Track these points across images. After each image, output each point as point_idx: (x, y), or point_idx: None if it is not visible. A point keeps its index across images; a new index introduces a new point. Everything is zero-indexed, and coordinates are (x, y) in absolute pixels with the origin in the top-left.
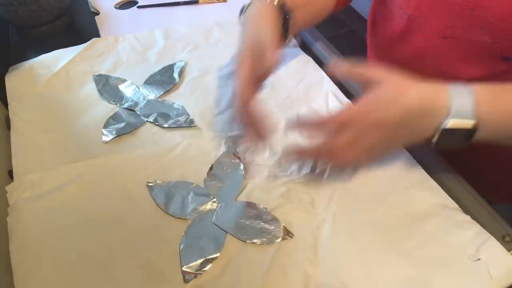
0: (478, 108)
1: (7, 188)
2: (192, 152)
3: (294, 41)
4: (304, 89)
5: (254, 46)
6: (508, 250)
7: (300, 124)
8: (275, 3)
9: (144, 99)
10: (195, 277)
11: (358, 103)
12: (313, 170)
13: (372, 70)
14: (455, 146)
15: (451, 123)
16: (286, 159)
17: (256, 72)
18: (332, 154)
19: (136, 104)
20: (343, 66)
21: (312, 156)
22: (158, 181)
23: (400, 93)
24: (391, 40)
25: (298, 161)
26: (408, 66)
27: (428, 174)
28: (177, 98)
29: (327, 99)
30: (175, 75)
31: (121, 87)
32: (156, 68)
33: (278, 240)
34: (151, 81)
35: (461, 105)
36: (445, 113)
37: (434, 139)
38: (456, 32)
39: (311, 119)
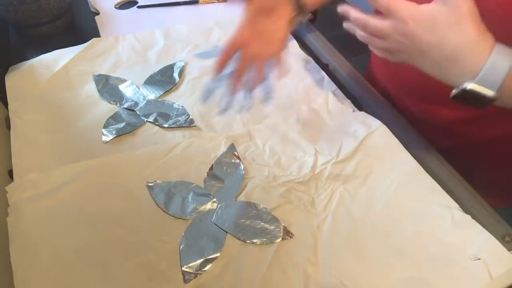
0: (507, 83)
1: (7, 188)
2: (192, 152)
3: (294, 41)
4: (304, 89)
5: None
6: (508, 250)
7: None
8: None
9: (144, 99)
10: (195, 277)
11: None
12: (313, 169)
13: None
14: (471, 105)
15: (472, 86)
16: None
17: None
18: (364, 28)
19: (136, 104)
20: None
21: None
22: (158, 181)
23: (445, 23)
24: None
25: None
26: None
27: (428, 174)
28: (177, 98)
29: (327, 99)
30: (175, 75)
31: (121, 87)
32: (156, 68)
33: (278, 240)
34: (151, 81)
35: (491, 74)
36: (473, 74)
37: (452, 94)
38: None
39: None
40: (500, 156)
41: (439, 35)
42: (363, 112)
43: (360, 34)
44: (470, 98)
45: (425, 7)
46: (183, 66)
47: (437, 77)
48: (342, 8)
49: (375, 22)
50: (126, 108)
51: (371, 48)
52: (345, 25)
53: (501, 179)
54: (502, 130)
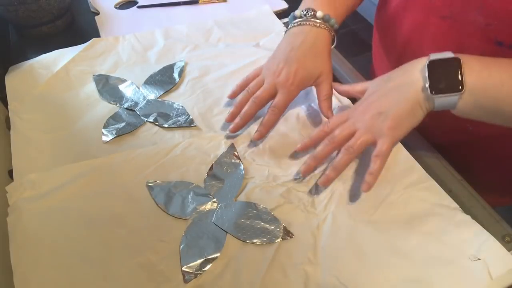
0: (460, 56)
1: (7, 188)
2: (192, 152)
3: None
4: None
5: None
6: (508, 250)
7: (308, 142)
8: (330, 26)
9: (144, 99)
10: (195, 277)
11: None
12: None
13: (357, 85)
14: (451, 85)
15: (433, 57)
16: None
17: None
18: (334, 137)
19: (136, 104)
20: (340, 88)
21: (324, 151)
22: (158, 181)
23: (386, 75)
24: (393, 19)
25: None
26: (409, 42)
27: (429, 174)
28: (177, 98)
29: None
30: (175, 75)
31: (121, 87)
32: (156, 68)
33: (278, 240)
34: (151, 81)
35: (440, 54)
36: (424, 61)
37: (427, 82)
38: (454, 12)
39: (313, 136)
40: (500, 155)
41: (385, 77)
42: None
43: (342, 157)
44: (439, 68)
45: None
46: (183, 66)
47: (412, 97)
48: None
49: (335, 127)
50: (126, 108)
51: (375, 166)
52: (322, 182)
53: (501, 178)
54: (502, 129)
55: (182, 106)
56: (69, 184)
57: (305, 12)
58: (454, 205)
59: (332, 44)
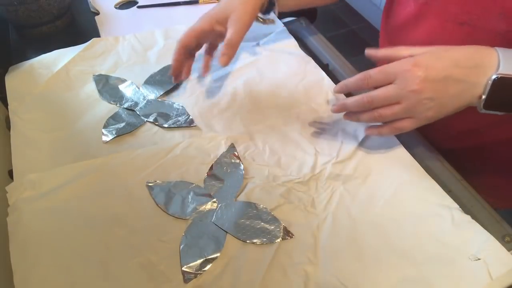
0: None
1: (7, 188)
2: (192, 152)
3: (294, 41)
4: (304, 89)
5: (223, 11)
6: (508, 250)
7: (346, 83)
8: None
9: (144, 99)
10: (195, 277)
11: (402, 60)
12: (313, 169)
13: (405, 49)
14: (503, 107)
15: (499, 73)
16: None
17: (207, 35)
18: (372, 104)
19: (136, 104)
20: (379, 51)
21: (354, 105)
22: (158, 181)
23: (444, 50)
24: (405, 25)
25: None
26: None
27: (428, 174)
28: (177, 98)
29: (327, 99)
30: None
31: (121, 87)
32: (156, 68)
33: (278, 240)
34: (151, 81)
35: (509, 59)
36: (495, 66)
37: (484, 95)
38: (473, 18)
39: (355, 77)
40: (500, 157)
41: (446, 56)
42: None
43: (366, 117)
44: (501, 91)
45: (417, 54)
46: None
47: (465, 100)
48: (337, 105)
49: (379, 91)
50: (126, 108)
51: (384, 131)
52: (346, 117)
53: (501, 180)
54: (503, 132)
55: (182, 106)
56: (69, 184)
57: None
58: (454, 205)
59: (264, 11)
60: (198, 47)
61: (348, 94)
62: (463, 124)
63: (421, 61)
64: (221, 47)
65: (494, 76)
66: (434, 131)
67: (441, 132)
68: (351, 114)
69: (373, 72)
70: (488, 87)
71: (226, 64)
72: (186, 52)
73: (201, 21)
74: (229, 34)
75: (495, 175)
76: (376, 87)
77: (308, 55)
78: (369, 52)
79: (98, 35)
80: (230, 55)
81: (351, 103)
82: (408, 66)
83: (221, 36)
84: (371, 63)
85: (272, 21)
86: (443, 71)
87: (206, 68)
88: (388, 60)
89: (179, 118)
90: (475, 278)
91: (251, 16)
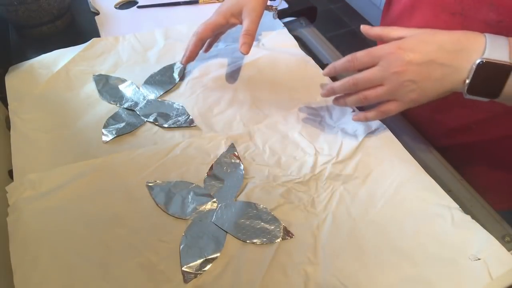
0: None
1: (7, 188)
2: (192, 152)
3: (294, 41)
4: (304, 89)
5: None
6: (508, 250)
7: (334, 65)
8: None
9: (144, 99)
10: (195, 277)
11: (387, 43)
12: (313, 169)
13: (396, 30)
14: (487, 92)
15: (485, 57)
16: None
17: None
18: (357, 86)
19: (136, 104)
20: (374, 30)
21: (341, 88)
22: (158, 181)
23: (431, 34)
24: (400, 17)
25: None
26: None
27: (428, 174)
28: (177, 98)
29: (327, 98)
30: (175, 75)
31: (121, 87)
32: (156, 68)
33: (278, 240)
34: (151, 81)
35: (496, 45)
36: (481, 50)
37: (469, 79)
38: (465, 8)
39: (343, 59)
40: (500, 157)
41: (432, 40)
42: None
43: (352, 99)
44: (486, 76)
45: (395, 42)
46: (183, 66)
47: (448, 84)
48: (326, 89)
49: (363, 73)
50: (126, 108)
51: (370, 115)
52: (335, 102)
53: (501, 180)
54: (503, 130)
55: (182, 106)
56: (69, 184)
57: None
58: (454, 205)
59: None
60: (214, 39)
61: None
62: (455, 120)
63: (406, 44)
64: (240, 37)
65: (478, 61)
66: (427, 127)
67: (434, 129)
68: (339, 98)
69: (359, 54)
70: (472, 72)
71: (247, 52)
72: (202, 45)
73: (215, 15)
74: (246, 24)
75: (495, 175)
76: (362, 69)
77: (308, 55)
78: (364, 28)
79: (98, 35)
80: (250, 43)
81: (338, 86)
82: (392, 49)
83: (233, 27)
84: None
85: (276, 9)
86: (427, 55)
87: (209, 48)
88: (380, 39)
89: (179, 118)
90: (475, 278)
91: (262, 5)
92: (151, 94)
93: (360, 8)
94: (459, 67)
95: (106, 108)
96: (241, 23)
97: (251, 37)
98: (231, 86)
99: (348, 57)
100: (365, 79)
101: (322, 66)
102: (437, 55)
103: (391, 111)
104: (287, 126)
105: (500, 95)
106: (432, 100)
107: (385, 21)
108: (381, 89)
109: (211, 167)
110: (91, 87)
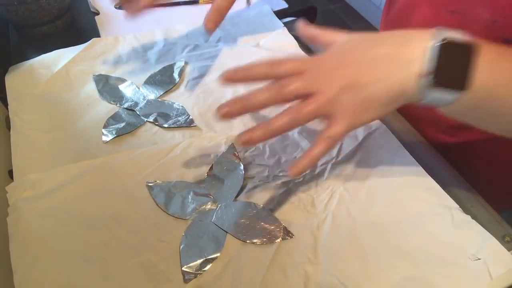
0: (471, 40)
1: (7, 188)
2: (192, 152)
3: (294, 41)
4: None
5: None
6: (508, 250)
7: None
8: None
9: (144, 99)
10: (195, 277)
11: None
12: (313, 169)
13: (331, 33)
14: (452, 83)
15: (444, 34)
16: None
17: None
18: (281, 88)
19: (136, 104)
20: (309, 29)
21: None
22: (158, 181)
23: (371, 34)
24: (400, 16)
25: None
26: None
27: (428, 174)
28: (177, 98)
29: None
30: (175, 75)
31: (121, 87)
32: (156, 68)
33: (278, 240)
34: (151, 81)
35: (449, 32)
36: (430, 37)
37: (428, 67)
38: (462, 6)
39: (252, 66)
40: (500, 156)
41: (369, 38)
42: None
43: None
44: (449, 55)
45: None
46: (183, 66)
47: (396, 85)
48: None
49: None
50: (126, 108)
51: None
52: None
53: (501, 180)
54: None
55: (182, 106)
56: (69, 184)
57: None
58: (454, 205)
59: None
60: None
61: None
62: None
63: (337, 48)
64: (207, 13)
65: (437, 44)
66: (427, 126)
67: (434, 126)
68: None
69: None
70: (434, 59)
71: (212, 30)
72: (220, 15)
73: None
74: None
75: (495, 175)
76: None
77: (308, 55)
78: (300, 26)
79: (98, 35)
80: (217, 22)
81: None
82: (322, 57)
83: None
84: None
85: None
86: (362, 52)
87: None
88: (312, 41)
89: (179, 118)
90: (475, 278)
91: None
92: (151, 94)
93: (360, 8)
94: (411, 57)
95: (106, 108)
96: None
97: (221, 14)
98: (231, 86)
99: (268, 60)
100: (291, 74)
101: None
102: (379, 49)
103: (337, 135)
104: None
105: (469, 87)
106: (381, 116)
107: (385, 21)
108: (314, 98)
109: (211, 167)
110: (91, 87)
